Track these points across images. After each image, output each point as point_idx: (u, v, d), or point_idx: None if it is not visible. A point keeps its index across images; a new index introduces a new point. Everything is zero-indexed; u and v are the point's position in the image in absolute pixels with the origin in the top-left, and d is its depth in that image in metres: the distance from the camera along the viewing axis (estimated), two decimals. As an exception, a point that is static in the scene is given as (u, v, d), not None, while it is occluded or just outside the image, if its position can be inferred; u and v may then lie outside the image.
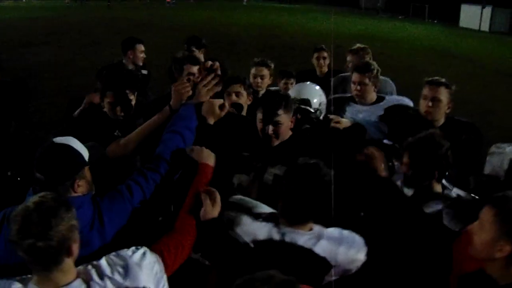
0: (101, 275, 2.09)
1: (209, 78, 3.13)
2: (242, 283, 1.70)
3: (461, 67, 18.70)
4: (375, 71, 4.45)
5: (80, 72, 13.94)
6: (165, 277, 2.26)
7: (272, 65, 5.28)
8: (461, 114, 10.92)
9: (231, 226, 2.61)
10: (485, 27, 39.90)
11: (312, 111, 3.79)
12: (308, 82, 4.22)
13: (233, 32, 26.79)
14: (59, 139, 2.45)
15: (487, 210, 2.19)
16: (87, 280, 2.06)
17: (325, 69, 6.42)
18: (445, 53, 22.96)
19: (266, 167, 3.20)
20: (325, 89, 4.87)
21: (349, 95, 4.67)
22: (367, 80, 4.38)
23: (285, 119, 3.24)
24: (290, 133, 3.35)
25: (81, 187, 2.43)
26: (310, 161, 2.55)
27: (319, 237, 2.53)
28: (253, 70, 5.22)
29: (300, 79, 5.97)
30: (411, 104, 4.51)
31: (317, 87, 4.09)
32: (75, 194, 2.40)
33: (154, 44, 19.12)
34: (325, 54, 6.44)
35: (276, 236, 2.52)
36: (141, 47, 6.37)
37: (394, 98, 4.62)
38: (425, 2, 49.38)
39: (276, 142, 3.26)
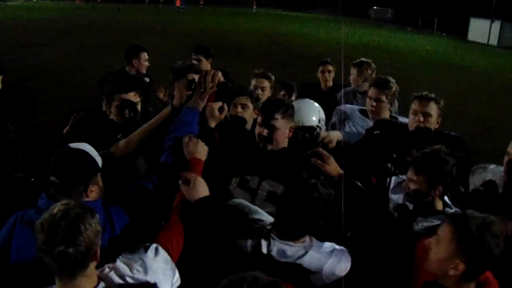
0: (122, 276, 2.13)
1: (206, 82, 3.14)
2: (229, 283, 1.70)
3: (468, 82, 18.68)
4: (393, 89, 4.33)
5: (84, 75, 13.95)
6: (176, 268, 2.32)
7: (273, 77, 5.19)
8: (466, 128, 10.90)
9: (226, 230, 2.61)
10: (494, 41, 39.94)
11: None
12: (306, 99, 4.09)
13: (241, 39, 26.85)
14: (74, 145, 2.51)
15: (445, 227, 2.22)
16: (110, 283, 2.09)
17: (330, 83, 6.28)
18: (452, 67, 22.94)
19: (260, 182, 3.13)
20: (330, 103, 4.77)
21: (359, 107, 4.58)
22: (383, 97, 4.27)
23: (282, 125, 3.18)
24: (286, 144, 3.28)
25: (93, 193, 2.49)
26: (310, 178, 2.51)
27: (308, 248, 2.51)
28: (253, 82, 5.09)
29: (304, 92, 5.88)
30: None
31: (315, 104, 3.90)
32: (87, 199, 2.45)
33: (161, 49, 19.22)
34: (330, 68, 6.29)
35: (264, 248, 2.51)
36: (145, 55, 6.30)
37: (407, 121, 4.41)
38: (434, 14, 49.47)
39: (270, 147, 3.18)
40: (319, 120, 3.75)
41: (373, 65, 5.60)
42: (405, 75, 18.59)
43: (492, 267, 2.21)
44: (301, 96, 6.15)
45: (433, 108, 3.88)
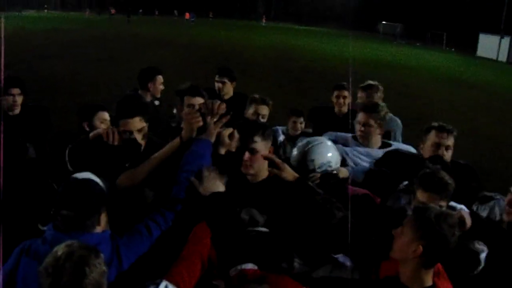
0: None
1: (218, 113, 3.09)
2: None
3: (477, 98, 18.57)
4: (382, 112, 4.19)
5: (94, 88, 13.96)
6: None
7: (271, 102, 4.99)
8: (476, 147, 10.76)
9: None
10: (503, 57, 39.85)
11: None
12: (318, 140, 3.69)
13: (250, 54, 26.88)
14: (80, 175, 2.47)
15: (408, 217, 2.52)
16: None
17: (345, 109, 5.85)
18: (461, 83, 22.84)
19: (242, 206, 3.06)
20: (344, 130, 4.67)
21: (351, 134, 4.41)
22: (372, 122, 4.14)
23: (262, 147, 3.09)
24: (266, 165, 3.15)
25: (103, 222, 2.46)
26: (325, 204, 2.58)
27: (331, 269, 2.59)
28: (253, 108, 4.78)
29: (314, 117, 5.69)
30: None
31: (321, 147, 3.62)
32: (97, 231, 2.41)
33: (169, 62, 19.28)
34: (346, 93, 5.86)
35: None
36: (161, 78, 5.88)
37: (401, 146, 4.30)
38: (443, 29, 49.48)
39: (251, 171, 3.08)
40: (315, 168, 3.56)
41: (380, 87, 5.45)
42: (414, 91, 18.57)
43: (447, 255, 2.44)
44: (311, 120, 6.01)
45: (452, 140, 3.83)
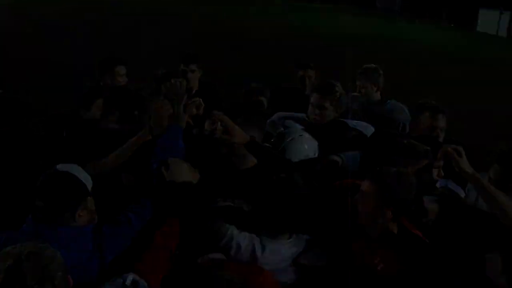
0: None
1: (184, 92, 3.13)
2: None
3: (477, 75, 18.39)
4: (338, 94, 3.96)
5: (91, 69, 13.71)
6: None
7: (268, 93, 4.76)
8: (475, 125, 10.67)
9: (218, 235, 2.68)
10: (503, 32, 39.66)
11: None
12: (296, 137, 3.69)
13: (247, 31, 26.53)
14: (62, 167, 2.42)
15: (367, 183, 2.64)
16: None
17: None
18: (461, 59, 22.64)
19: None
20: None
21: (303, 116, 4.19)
22: (327, 104, 3.92)
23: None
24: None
25: (82, 217, 2.42)
26: (283, 175, 2.70)
27: (299, 245, 2.69)
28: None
29: (279, 97, 5.43)
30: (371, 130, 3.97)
31: (296, 145, 3.62)
32: (75, 224, 2.36)
33: (166, 40, 19.05)
34: (311, 73, 5.73)
35: (259, 248, 2.63)
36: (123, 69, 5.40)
37: (358, 126, 3.99)
38: (442, 5, 49.08)
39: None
40: None
41: (380, 70, 5.20)
42: (413, 67, 18.43)
43: (410, 208, 2.67)
44: (274, 101, 5.80)
45: (445, 120, 3.74)
